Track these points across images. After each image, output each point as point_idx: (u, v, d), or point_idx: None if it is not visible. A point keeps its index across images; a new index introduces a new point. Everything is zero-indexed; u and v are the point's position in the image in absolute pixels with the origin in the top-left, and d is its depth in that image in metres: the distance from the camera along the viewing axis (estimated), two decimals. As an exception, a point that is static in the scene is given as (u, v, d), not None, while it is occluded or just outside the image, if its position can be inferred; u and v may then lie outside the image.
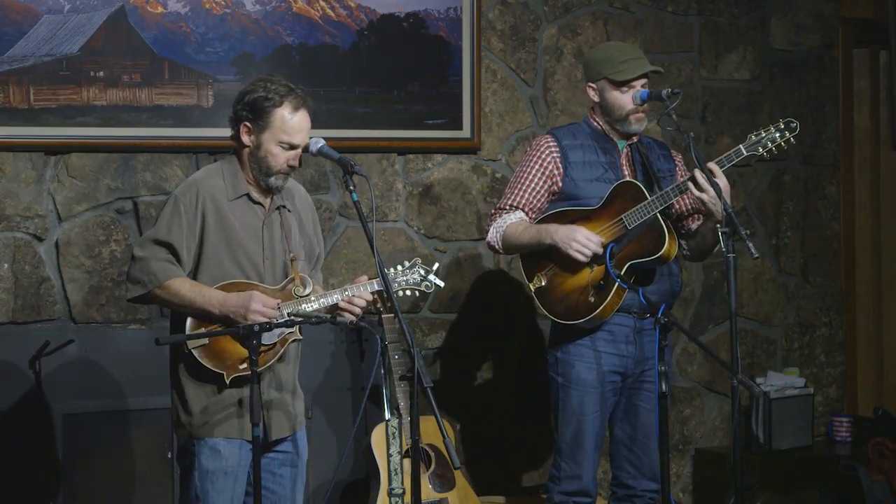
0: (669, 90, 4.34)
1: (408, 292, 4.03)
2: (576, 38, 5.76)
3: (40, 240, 4.96)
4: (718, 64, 6.07)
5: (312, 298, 3.85)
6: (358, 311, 3.88)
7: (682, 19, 5.98)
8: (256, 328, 3.62)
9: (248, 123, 3.82)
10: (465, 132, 5.51)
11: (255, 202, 3.88)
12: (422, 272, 4.02)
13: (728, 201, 4.23)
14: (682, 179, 4.35)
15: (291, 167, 3.85)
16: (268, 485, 3.89)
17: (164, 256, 3.77)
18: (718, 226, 4.13)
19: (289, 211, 3.95)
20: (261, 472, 3.83)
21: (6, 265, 4.91)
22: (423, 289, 4.03)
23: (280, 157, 3.82)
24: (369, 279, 3.93)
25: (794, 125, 4.31)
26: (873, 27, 6.38)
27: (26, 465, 4.75)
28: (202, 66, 5.11)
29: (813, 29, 6.27)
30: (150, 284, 3.75)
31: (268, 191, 3.89)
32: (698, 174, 4.25)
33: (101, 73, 4.97)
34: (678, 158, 4.68)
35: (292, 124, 3.81)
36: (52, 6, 4.91)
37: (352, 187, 3.72)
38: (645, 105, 4.44)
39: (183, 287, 3.75)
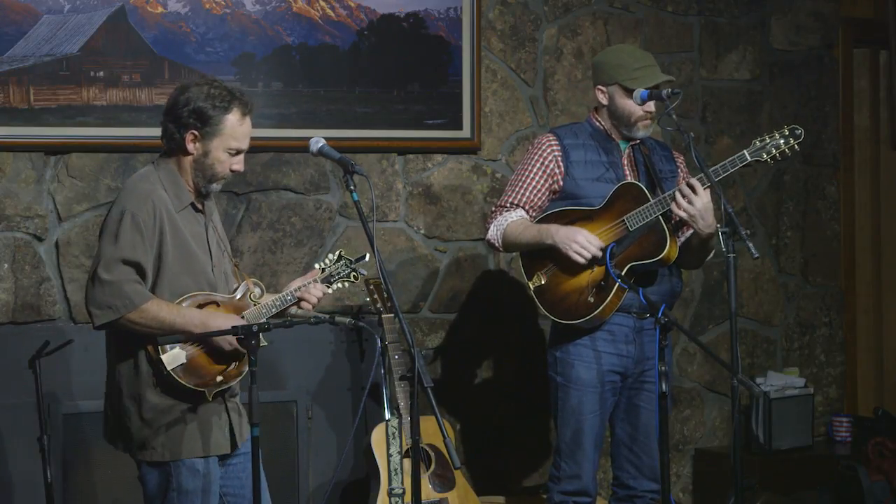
0: (669, 90, 4.34)
1: (339, 285, 3.96)
2: (576, 38, 5.76)
3: (40, 240, 4.96)
4: (718, 64, 6.07)
5: (269, 302, 3.84)
6: (314, 300, 3.86)
7: (682, 19, 5.98)
8: (255, 328, 3.61)
9: (195, 132, 3.74)
10: (465, 132, 5.51)
11: (197, 210, 3.83)
12: (348, 262, 3.97)
13: (709, 220, 4.24)
14: (679, 181, 4.35)
15: (234, 171, 3.81)
16: (237, 491, 3.88)
17: (134, 278, 3.65)
18: (719, 226, 4.13)
19: (213, 216, 3.94)
20: (223, 479, 3.85)
21: (6, 265, 4.91)
22: (351, 280, 3.98)
23: (227, 164, 3.78)
24: (322, 270, 3.92)
25: (798, 132, 4.30)
26: (873, 27, 6.38)
27: (26, 465, 4.75)
28: (202, 66, 5.11)
29: (813, 29, 6.27)
30: (123, 309, 3.62)
31: (203, 197, 3.85)
32: (683, 189, 4.24)
33: (101, 73, 4.97)
34: (680, 160, 4.68)
35: (242, 130, 3.77)
36: (52, 6, 4.91)
37: (352, 187, 3.71)
38: (653, 111, 4.43)
39: (161, 310, 3.64)
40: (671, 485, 4.52)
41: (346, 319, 3.75)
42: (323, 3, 5.33)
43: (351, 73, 5.36)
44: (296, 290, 3.87)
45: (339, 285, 3.96)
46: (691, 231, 4.44)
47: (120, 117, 5.01)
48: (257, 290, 3.85)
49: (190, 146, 3.76)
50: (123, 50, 5.01)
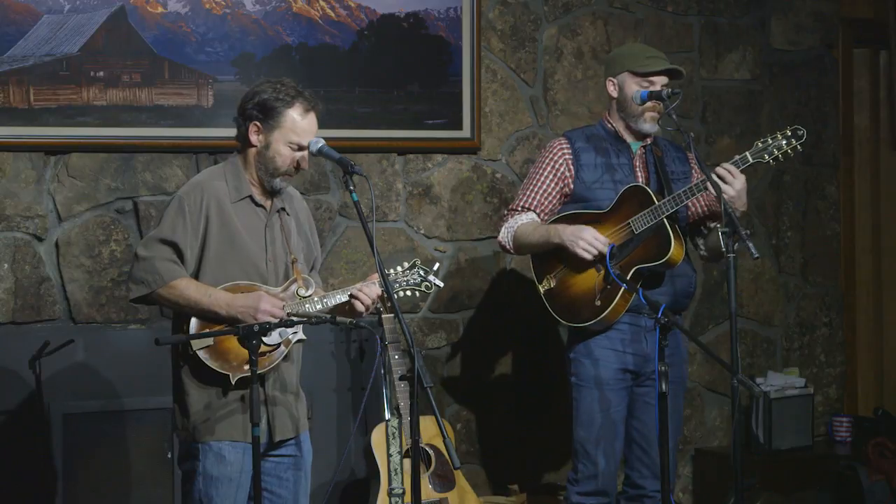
0: (670, 90, 4.37)
1: (408, 293, 4.02)
2: (576, 38, 5.76)
3: (40, 240, 4.96)
4: (718, 64, 6.07)
5: (315, 298, 3.86)
6: (368, 301, 3.89)
7: (682, 19, 5.98)
8: (256, 328, 3.62)
9: (257, 123, 3.82)
10: (465, 132, 5.51)
11: (257, 204, 3.89)
12: (421, 273, 4.02)
13: (745, 200, 4.28)
14: (692, 183, 4.35)
15: (297, 168, 3.87)
16: (273, 489, 3.88)
17: (169, 256, 3.76)
18: (718, 226, 4.13)
19: (287, 214, 3.96)
20: (262, 474, 3.83)
21: (6, 265, 4.91)
22: (423, 289, 4.02)
23: (288, 158, 3.83)
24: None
25: (800, 133, 4.31)
26: (873, 27, 6.38)
27: (26, 465, 4.75)
28: (202, 66, 5.11)
29: (813, 29, 6.27)
30: (154, 284, 3.74)
31: (270, 193, 3.90)
32: (721, 173, 4.25)
33: (101, 73, 4.97)
34: (693, 161, 4.68)
35: (303, 125, 3.82)
36: (52, 6, 4.91)
37: (352, 187, 3.72)
38: (659, 105, 4.45)
39: (189, 287, 3.74)
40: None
41: (347, 319, 3.76)
42: (323, 3, 5.33)
43: (351, 73, 5.36)
44: (348, 288, 3.89)
45: (406, 293, 4.00)
46: (715, 222, 4.49)
47: (120, 117, 5.01)
48: (304, 284, 3.87)
49: (253, 137, 3.84)
50: (123, 50, 5.01)
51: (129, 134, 5.02)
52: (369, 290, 3.90)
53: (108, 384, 4.92)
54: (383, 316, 4.75)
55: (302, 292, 3.86)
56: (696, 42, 6.01)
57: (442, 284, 4.08)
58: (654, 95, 4.41)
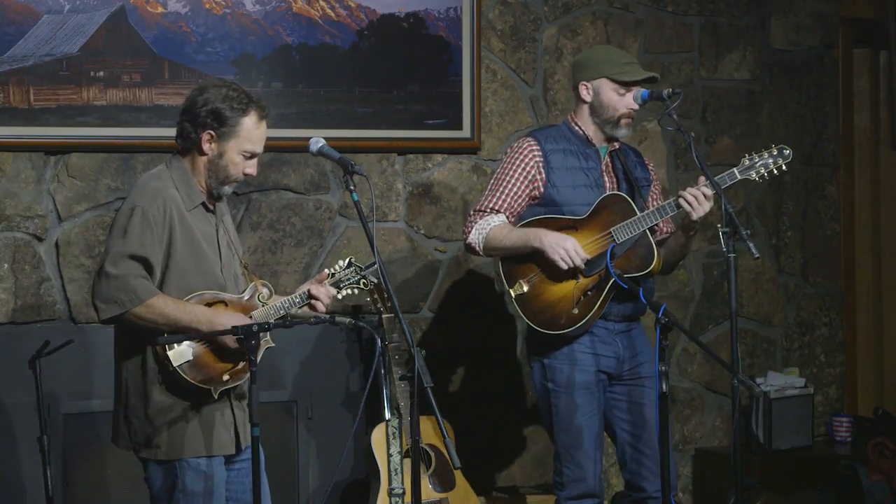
0: (670, 90, 4.34)
1: (348, 291, 3.98)
2: (576, 38, 5.76)
3: (40, 240, 4.96)
4: (718, 64, 6.07)
5: (278, 304, 3.84)
6: (327, 300, 3.87)
7: (682, 19, 5.98)
8: (255, 328, 3.61)
9: (211, 132, 3.75)
10: (465, 132, 5.51)
11: (208, 210, 3.85)
12: (358, 269, 3.98)
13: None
14: (671, 199, 4.35)
15: (247, 175, 3.83)
16: (238, 495, 3.88)
17: (141, 273, 3.67)
18: (719, 226, 4.13)
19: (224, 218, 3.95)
20: (226, 483, 3.84)
21: (6, 265, 4.91)
22: (361, 286, 3.98)
23: (240, 166, 3.79)
24: (330, 274, 3.94)
25: (786, 152, 4.34)
26: (873, 27, 6.38)
27: (26, 465, 4.75)
28: (202, 66, 5.11)
29: (813, 29, 6.27)
30: (129, 304, 3.64)
31: (215, 198, 3.86)
32: (688, 195, 4.26)
33: (101, 73, 4.97)
34: (650, 166, 4.69)
35: (257, 134, 3.79)
36: (52, 6, 4.91)
37: (352, 187, 3.71)
38: (636, 108, 4.44)
39: (166, 305, 3.66)
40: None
41: (346, 319, 3.75)
42: (323, 3, 5.33)
43: (351, 73, 5.36)
44: (307, 292, 3.87)
45: (348, 291, 3.97)
46: (667, 235, 4.50)
47: (120, 117, 5.01)
48: (266, 291, 3.86)
49: (206, 146, 3.78)
50: (123, 50, 5.01)
51: (129, 134, 5.02)
52: (326, 291, 3.88)
53: (108, 384, 4.87)
54: (383, 316, 4.75)
55: (263, 297, 3.85)
56: (696, 42, 6.01)
57: (377, 280, 4.05)
58: (654, 96, 4.40)
